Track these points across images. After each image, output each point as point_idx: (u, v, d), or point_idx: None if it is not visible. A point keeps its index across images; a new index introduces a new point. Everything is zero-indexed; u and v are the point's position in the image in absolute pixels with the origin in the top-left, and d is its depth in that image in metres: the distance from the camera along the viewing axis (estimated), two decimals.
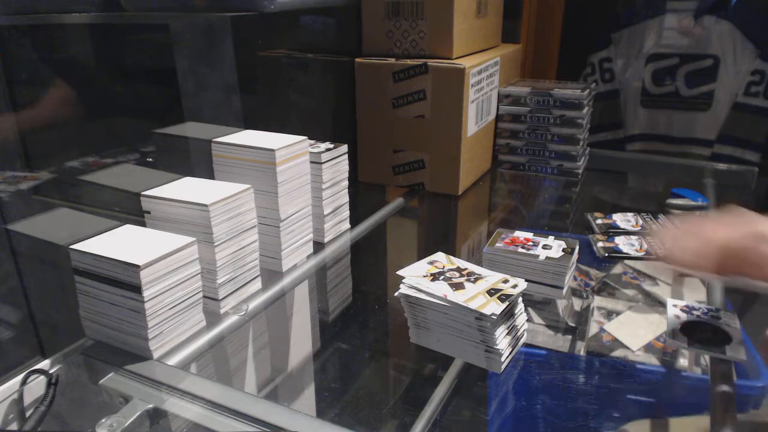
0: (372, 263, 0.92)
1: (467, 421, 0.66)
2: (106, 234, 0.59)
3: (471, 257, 0.91)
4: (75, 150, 0.68)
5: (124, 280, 0.53)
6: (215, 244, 0.62)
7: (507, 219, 1.09)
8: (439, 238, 1.05)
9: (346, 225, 0.88)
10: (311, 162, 0.76)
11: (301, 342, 0.75)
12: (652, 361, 0.75)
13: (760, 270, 0.49)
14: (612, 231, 0.96)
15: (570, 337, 0.79)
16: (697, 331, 0.61)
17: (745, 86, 1.37)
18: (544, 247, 0.69)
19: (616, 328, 0.80)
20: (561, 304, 0.82)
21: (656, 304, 0.86)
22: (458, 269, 0.58)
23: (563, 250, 0.68)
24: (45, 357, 0.60)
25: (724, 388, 0.54)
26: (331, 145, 0.81)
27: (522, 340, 0.57)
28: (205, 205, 0.60)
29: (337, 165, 0.81)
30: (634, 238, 0.94)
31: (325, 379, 0.69)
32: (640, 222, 0.99)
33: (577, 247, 0.70)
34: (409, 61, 1.01)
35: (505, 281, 0.55)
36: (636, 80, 1.47)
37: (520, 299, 0.56)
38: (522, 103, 1.15)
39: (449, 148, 1.03)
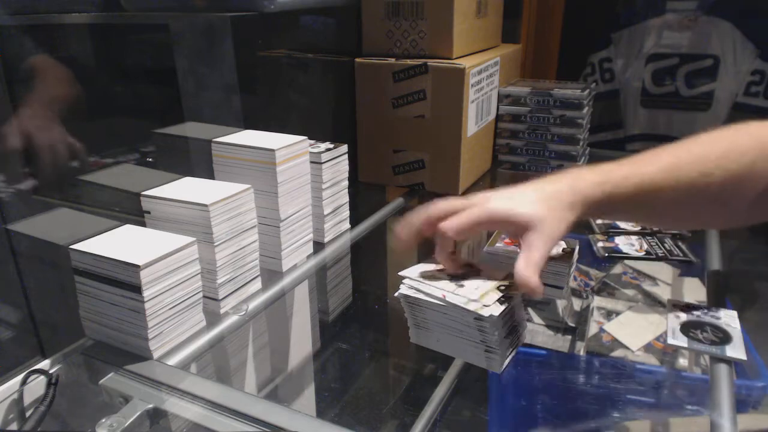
0: (372, 263, 0.92)
1: (467, 421, 0.66)
2: (106, 234, 0.59)
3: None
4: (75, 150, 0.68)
5: (124, 280, 0.53)
6: (215, 244, 0.62)
7: None
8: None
9: (346, 225, 0.88)
10: (311, 162, 0.76)
11: (301, 342, 0.75)
12: (652, 361, 0.75)
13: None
14: (612, 231, 0.96)
15: (570, 337, 0.79)
16: (697, 331, 0.61)
17: (745, 86, 1.37)
18: None
19: (616, 328, 0.80)
20: (561, 304, 0.82)
21: (656, 304, 0.86)
22: (459, 269, 0.58)
23: (563, 250, 0.68)
24: (45, 357, 0.60)
25: (724, 388, 0.54)
26: (331, 145, 0.81)
27: (522, 340, 0.57)
28: (205, 205, 0.60)
29: (337, 165, 0.81)
30: (634, 238, 0.94)
31: (325, 379, 0.70)
32: None
33: (577, 247, 0.70)
34: (409, 61, 1.01)
35: (507, 278, 0.55)
36: (636, 80, 1.47)
37: (521, 299, 0.56)
38: (522, 103, 1.15)
39: (449, 148, 1.02)
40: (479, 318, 0.49)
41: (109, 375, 0.54)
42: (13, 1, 0.58)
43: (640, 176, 0.53)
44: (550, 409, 0.73)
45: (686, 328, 0.61)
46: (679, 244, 0.92)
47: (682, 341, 0.60)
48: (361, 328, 0.79)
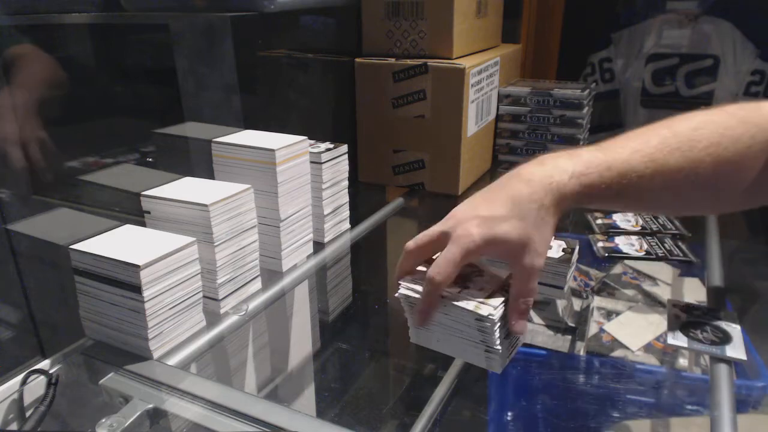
0: (372, 263, 0.92)
1: (467, 421, 0.66)
2: (106, 234, 0.59)
3: None
4: (75, 150, 0.68)
5: (124, 280, 0.53)
6: (215, 244, 0.62)
7: None
8: None
9: (346, 225, 0.88)
10: (311, 162, 0.76)
11: (301, 342, 0.75)
12: (652, 361, 0.75)
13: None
14: (612, 231, 0.96)
15: (570, 337, 0.79)
16: (697, 331, 0.61)
17: (745, 86, 1.37)
18: None
19: (615, 328, 0.80)
20: (561, 304, 0.82)
21: (656, 304, 0.86)
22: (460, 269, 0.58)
23: (563, 250, 0.68)
24: (45, 357, 0.60)
25: (724, 388, 0.54)
26: (331, 145, 0.81)
27: (522, 340, 0.57)
28: (205, 205, 0.60)
29: (337, 165, 0.81)
30: (634, 238, 0.94)
31: (325, 379, 0.70)
32: (641, 222, 0.99)
33: (577, 247, 0.70)
34: (409, 61, 1.01)
35: (509, 279, 0.55)
36: (636, 80, 1.47)
37: None
38: (522, 103, 1.15)
39: (449, 148, 1.02)
40: (480, 318, 0.49)
41: (109, 375, 0.54)
42: (13, 1, 0.58)
43: (624, 165, 0.50)
44: (550, 409, 0.73)
45: (686, 328, 0.61)
46: (679, 244, 0.92)
47: (682, 341, 0.60)
48: (361, 328, 0.79)
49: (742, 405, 0.63)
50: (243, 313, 0.66)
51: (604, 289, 0.89)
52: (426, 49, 1.02)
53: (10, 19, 0.58)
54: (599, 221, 0.99)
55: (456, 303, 0.50)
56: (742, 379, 0.66)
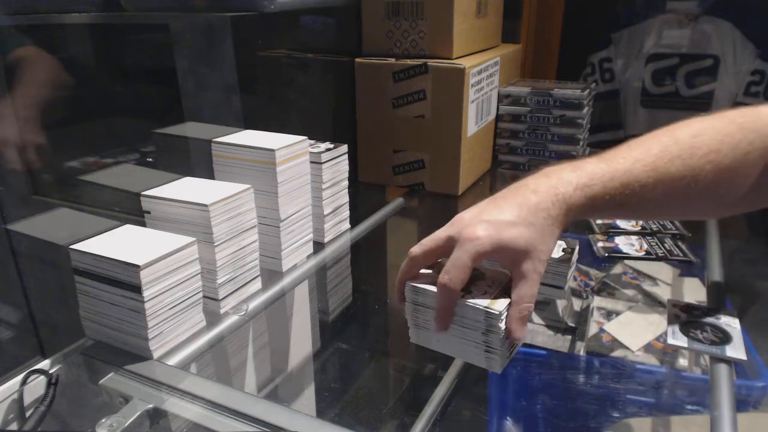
0: (372, 263, 0.92)
1: (467, 421, 0.66)
2: (106, 234, 0.59)
3: None
4: (75, 150, 0.68)
5: (124, 280, 0.53)
6: (215, 244, 0.62)
7: None
8: None
9: (346, 225, 0.88)
10: (311, 162, 0.76)
11: (301, 342, 0.75)
12: (652, 361, 0.75)
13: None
14: (612, 231, 0.96)
15: (570, 337, 0.79)
16: (697, 331, 0.61)
17: (745, 86, 1.37)
18: None
19: (615, 328, 0.80)
20: (561, 304, 0.82)
21: (656, 304, 0.86)
22: None
23: (563, 251, 0.68)
24: (45, 357, 0.60)
25: (724, 388, 0.54)
26: (331, 145, 0.81)
27: (522, 341, 0.57)
28: (205, 205, 0.60)
29: (337, 165, 0.81)
30: (634, 238, 0.94)
31: (325, 379, 0.70)
32: (641, 222, 0.99)
33: (577, 247, 0.70)
34: (409, 61, 1.01)
35: (510, 282, 0.55)
36: (636, 80, 1.47)
37: None
38: (522, 103, 1.15)
39: (449, 148, 1.02)
40: (492, 316, 0.49)
41: (109, 375, 0.54)
42: (13, 1, 0.58)
43: (626, 175, 0.50)
44: (550, 409, 0.73)
45: (686, 328, 0.61)
46: (679, 244, 0.92)
47: (682, 341, 0.60)
48: (361, 328, 0.79)
49: (742, 405, 0.63)
50: (243, 313, 0.66)
51: (604, 289, 0.89)
52: (426, 49, 1.02)
53: (10, 19, 0.58)
54: (599, 221, 0.99)
55: (468, 302, 0.50)
56: (742, 379, 0.66)
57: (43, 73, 0.63)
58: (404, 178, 1.09)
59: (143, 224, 0.65)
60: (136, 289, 0.53)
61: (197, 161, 0.74)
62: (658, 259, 0.89)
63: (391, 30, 1.04)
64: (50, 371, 0.58)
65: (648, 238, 0.94)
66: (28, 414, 0.54)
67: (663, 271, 0.92)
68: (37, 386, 0.57)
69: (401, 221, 1.03)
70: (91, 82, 0.69)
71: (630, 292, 0.88)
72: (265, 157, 0.69)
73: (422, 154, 1.05)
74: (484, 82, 1.08)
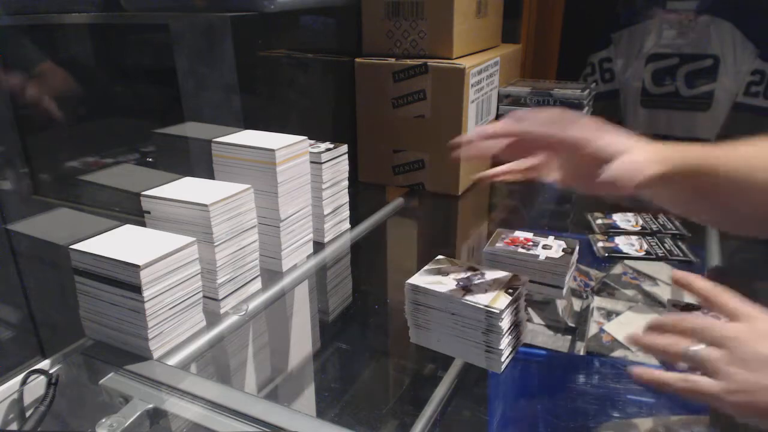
0: (372, 263, 0.92)
1: (467, 421, 0.66)
2: (106, 234, 0.59)
3: (471, 257, 0.91)
4: (75, 150, 0.68)
5: (124, 280, 0.53)
6: (215, 244, 0.62)
7: (507, 219, 1.09)
8: (439, 238, 1.05)
9: (346, 225, 0.88)
10: (311, 162, 0.76)
11: (301, 342, 0.75)
12: (652, 361, 0.75)
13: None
14: (612, 231, 0.96)
15: (570, 337, 0.79)
16: None
17: (745, 86, 1.37)
18: (544, 247, 0.69)
19: (615, 328, 0.80)
20: (561, 304, 0.82)
21: (656, 304, 0.86)
22: (462, 271, 0.58)
23: (563, 250, 0.68)
24: (45, 357, 0.60)
25: None
26: (331, 145, 0.81)
27: (522, 340, 0.57)
28: (205, 205, 0.60)
29: (337, 165, 0.81)
30: (634, 238, 0.94)
31: (325, 379, 0.69)
32: (640, 222, 0.99)
33: (577, 247, 0.70)
34: (409, 61, 1.01)
35: (512, 281, 0.55)
36: (636, 80, 1.47)
37: (523, 299, 0.56)
38: (522, 103, 1.15)
39: (449, 148, 1.02)
40: (490, 315, 0.49)
41: (109, 375, 0.54)
42: (13, 1, 0.58)
43: (729, 163, 0.52)
44: (550, 409, 0.73)
45: None
46: (679, 244, 0.92)
47: None
48: (361, 328, 0.79)
49: None
50: (243, 313, 0.66)
51: (604, 289, 0.89)
52: (426, 49, 1.02)
53: (10, 19, 0.58)
54: (599, 221, 0.99)
55: (468, 301, 0.50)
56: None
57: (52, 80, 0.63)
58: (404, 178, 1.09)
59: (143, 224, 0.65)
60: (136, 289, 0.53)
61: (197, 161, 0.74)
62: (658, 259, 0.89)
63: (391, 30, 1.04)
64: (50, 371, 0.58)
65: (648, 238, 0.94)
66: (28, 414, 0.54)
67: (663, 271, 0.91)
68: (37, 386, 0.57)
69: (401, 221, 1.03)
70: (91, 82, 0.69)
71: (630, 292, 0.88)
72: (265, 157, 0.69)
73: (422, 154, 1.05)
74: (484, 82, 1.08)
